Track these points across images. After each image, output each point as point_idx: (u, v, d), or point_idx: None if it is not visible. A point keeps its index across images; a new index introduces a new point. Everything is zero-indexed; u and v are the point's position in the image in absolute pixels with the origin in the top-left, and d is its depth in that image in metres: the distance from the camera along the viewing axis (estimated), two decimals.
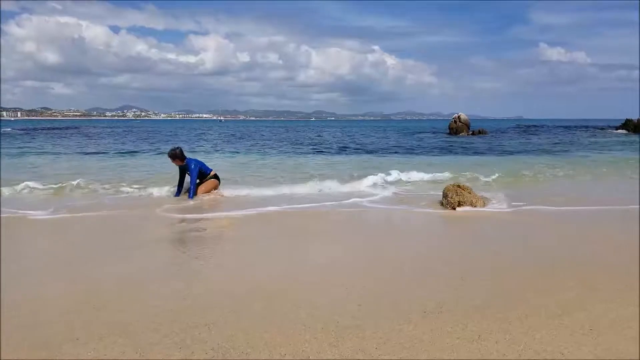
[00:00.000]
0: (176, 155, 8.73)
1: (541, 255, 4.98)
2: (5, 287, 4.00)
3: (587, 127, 59.38)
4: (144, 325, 3.24)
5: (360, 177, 10.74)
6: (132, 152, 21.20)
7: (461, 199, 8.45)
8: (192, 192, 8.49)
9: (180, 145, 9.82)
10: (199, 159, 9.16)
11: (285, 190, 9.31)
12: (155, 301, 3.71)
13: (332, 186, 9.77)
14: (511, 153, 21.14)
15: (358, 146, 26.28)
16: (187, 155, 9.03)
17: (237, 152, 21.90)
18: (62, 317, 3.40)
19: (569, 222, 6.76)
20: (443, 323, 3.25)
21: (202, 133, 46.22)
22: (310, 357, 2.80)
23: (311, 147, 25.75)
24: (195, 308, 3.55)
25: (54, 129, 54.01)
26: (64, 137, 34.78)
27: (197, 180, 8.68)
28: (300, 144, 28.81)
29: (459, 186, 8.87)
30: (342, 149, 23.59)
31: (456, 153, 21.44)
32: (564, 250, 5.20)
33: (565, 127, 60.47)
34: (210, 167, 9.07)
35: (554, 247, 5.32)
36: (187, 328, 3.19)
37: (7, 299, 3.73)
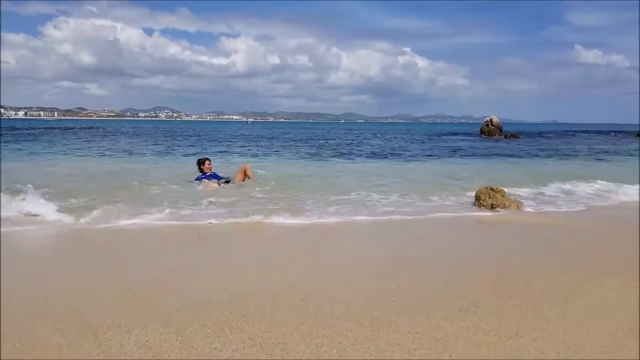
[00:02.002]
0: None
1: (577, 256, 4.89)
2: (52, 278, 4.18)
3: (626, 131, 56.96)
4: (184, 316, 3.34)
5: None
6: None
7: (494, 202, 8.35)
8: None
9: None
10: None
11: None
12: (195, 294, 3.81)
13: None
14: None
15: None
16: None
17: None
18: (108, 306, 3.53)
19: (601, 223, 6.61)
20: (479, 320, 3.24)
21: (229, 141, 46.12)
22: (347, 349, 2.84)
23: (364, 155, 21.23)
24: (233, 301, 3.64)
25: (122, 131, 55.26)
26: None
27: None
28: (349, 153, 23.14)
29: (492, 189, 8.76)
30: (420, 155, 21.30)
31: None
32: (601, 252, 5.09)
33: (604, 131, 57.84)
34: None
35: (592, 250, 5.22)
36: (225, 319, 3.28)
37: (55, 288, 3.91)
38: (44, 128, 53.04)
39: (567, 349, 2.82)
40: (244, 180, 9.90)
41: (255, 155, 20.01)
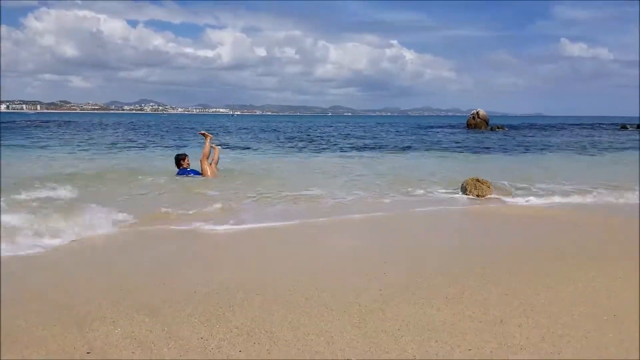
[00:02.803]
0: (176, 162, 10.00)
1: (562, 245, 4.96)
2: (39, 273, 4.12)
3: (606, 124, 57.07)
4: (170, 306, 3.32)
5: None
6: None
7: (480, 193, 8.43)
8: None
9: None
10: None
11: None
12: (182, 285, 3.79)
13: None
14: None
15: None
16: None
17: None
18: (93, 298, 3.49)
19: (593, 214, 6.70)
20: (465, 308, 3.26)
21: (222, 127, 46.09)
22: (334, 337, 2.85)
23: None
24: (220, 292, 3.62)
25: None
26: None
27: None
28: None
29: (477, 180, 8.84)
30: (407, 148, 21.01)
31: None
32: (585, 241, 5.17)
33: (587, 125, 57.57)
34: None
35: (577, 239, 5.29)
36: (211, 309, 3.26)
37: (41, 282, 3.86)
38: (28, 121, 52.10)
39: (551, 334, 2.86)
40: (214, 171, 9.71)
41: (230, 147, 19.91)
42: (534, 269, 4.15)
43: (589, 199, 7.86)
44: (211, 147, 9.89)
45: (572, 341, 2.77)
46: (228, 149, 18.30)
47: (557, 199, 7.76)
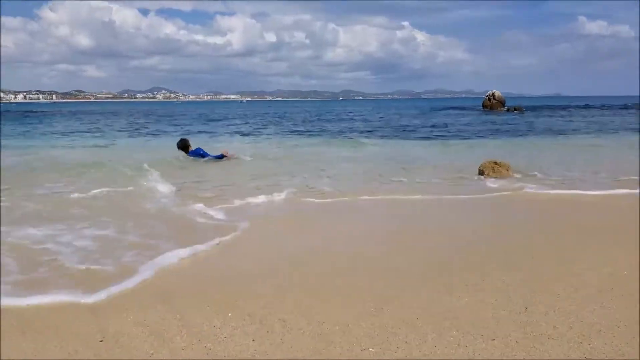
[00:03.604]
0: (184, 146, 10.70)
1: (588, 231, 4.78)
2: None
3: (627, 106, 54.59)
4: (184, 293, 3.24)
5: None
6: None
7: (498, 175, 8.22)
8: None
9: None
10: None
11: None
12: (198, 273, 3.72)
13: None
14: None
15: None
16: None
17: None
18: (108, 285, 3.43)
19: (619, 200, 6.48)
20: (486, 295, 3.13)
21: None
22: (350, 325, 2.74)
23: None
24: (231, 279, 3.54)
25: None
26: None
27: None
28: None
29: (495, 163, 8.62)
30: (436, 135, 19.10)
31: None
32: (612, 226, 4.98)
33: (595, 106, 54.63)
34: None
35: (603, 224, 5.10)
36: (226, 296, 3.18)
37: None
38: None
39: (580, 323, 2.71)
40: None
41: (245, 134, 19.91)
42: (557, 254, 3.99)
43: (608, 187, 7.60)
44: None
45: (604, 330, 2.62)
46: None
47: (576, 184, 7.52)
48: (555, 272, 3.54)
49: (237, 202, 6.13)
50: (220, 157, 10.40)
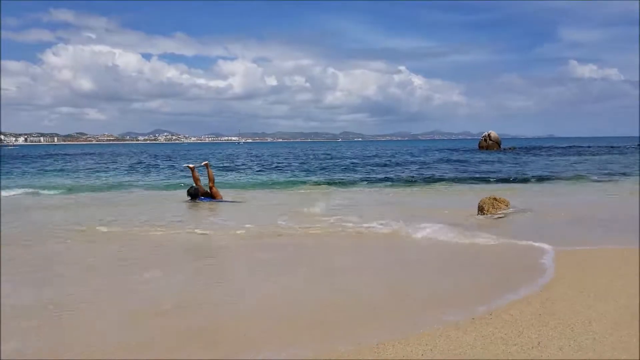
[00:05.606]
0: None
1: (597, 260, 4.57)
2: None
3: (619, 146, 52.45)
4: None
5: None
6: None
7: (496, 212, 8.05)
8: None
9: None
10: None
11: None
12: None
13: None
14: None
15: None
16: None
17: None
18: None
19: None
20: (495, 329, 2.91)
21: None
22: None
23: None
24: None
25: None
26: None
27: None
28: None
29: (495, 199, 8.47)
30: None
31: None
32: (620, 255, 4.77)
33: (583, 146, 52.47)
34: None
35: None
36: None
37: None
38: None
39: (600, 358, 2.49)
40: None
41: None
42: (567, 286, 3.77)
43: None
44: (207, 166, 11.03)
45: None
46: None
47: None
48: (566, 303, 3.32)
49: None
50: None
